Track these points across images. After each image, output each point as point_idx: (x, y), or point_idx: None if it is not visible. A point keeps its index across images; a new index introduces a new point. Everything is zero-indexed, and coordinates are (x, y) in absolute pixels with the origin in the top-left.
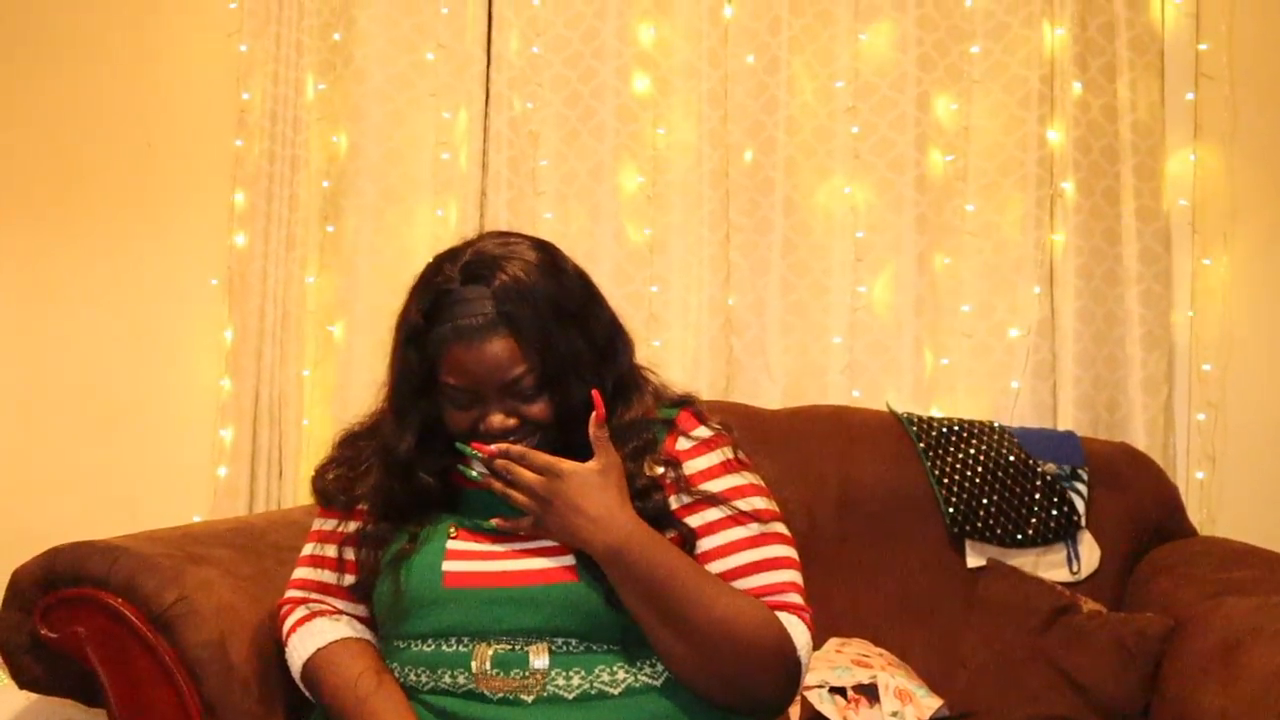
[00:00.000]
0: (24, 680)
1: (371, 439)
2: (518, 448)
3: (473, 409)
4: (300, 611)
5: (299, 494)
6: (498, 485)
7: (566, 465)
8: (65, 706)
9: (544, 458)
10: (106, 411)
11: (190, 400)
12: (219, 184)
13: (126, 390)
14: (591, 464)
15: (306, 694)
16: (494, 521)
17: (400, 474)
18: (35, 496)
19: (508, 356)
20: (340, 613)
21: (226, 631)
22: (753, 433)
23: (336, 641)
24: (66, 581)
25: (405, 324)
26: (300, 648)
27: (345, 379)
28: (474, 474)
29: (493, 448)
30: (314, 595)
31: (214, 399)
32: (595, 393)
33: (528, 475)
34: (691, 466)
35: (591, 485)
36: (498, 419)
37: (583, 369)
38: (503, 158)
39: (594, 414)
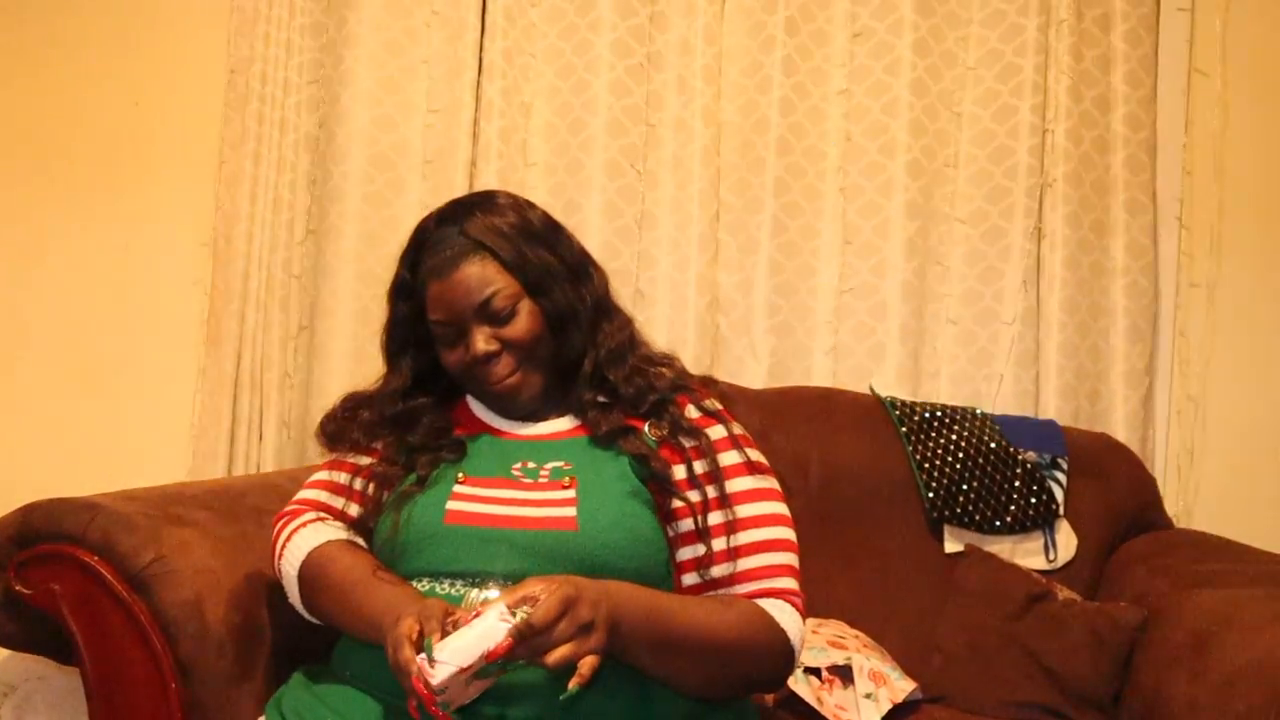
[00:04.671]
0: None
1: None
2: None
3: (459, 344)
4: (312, 514)
5: (280, 458)
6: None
7: (550, 602)
8: (38, 663)
9: (537, 622)
10: (87, 371)
11: (172, 361)
12: (206, 145)
13: (108, 350)
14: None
15: (294, 588)
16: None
17: (392, 413)
18: (13, 454)
19: (478, 279)
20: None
21: (203, 593)
22: (736, 412)
23: (339, 540)
24: (43, 538)
25: (395, 280)
26: (310, 539)
27: (328, 344)
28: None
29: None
30: (319, 513)
31: (196, 361)
32: None
33: (556, 631)
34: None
35: (584, 591)
36: (480, 341)
37: (558, 280)
38: (494, 127)
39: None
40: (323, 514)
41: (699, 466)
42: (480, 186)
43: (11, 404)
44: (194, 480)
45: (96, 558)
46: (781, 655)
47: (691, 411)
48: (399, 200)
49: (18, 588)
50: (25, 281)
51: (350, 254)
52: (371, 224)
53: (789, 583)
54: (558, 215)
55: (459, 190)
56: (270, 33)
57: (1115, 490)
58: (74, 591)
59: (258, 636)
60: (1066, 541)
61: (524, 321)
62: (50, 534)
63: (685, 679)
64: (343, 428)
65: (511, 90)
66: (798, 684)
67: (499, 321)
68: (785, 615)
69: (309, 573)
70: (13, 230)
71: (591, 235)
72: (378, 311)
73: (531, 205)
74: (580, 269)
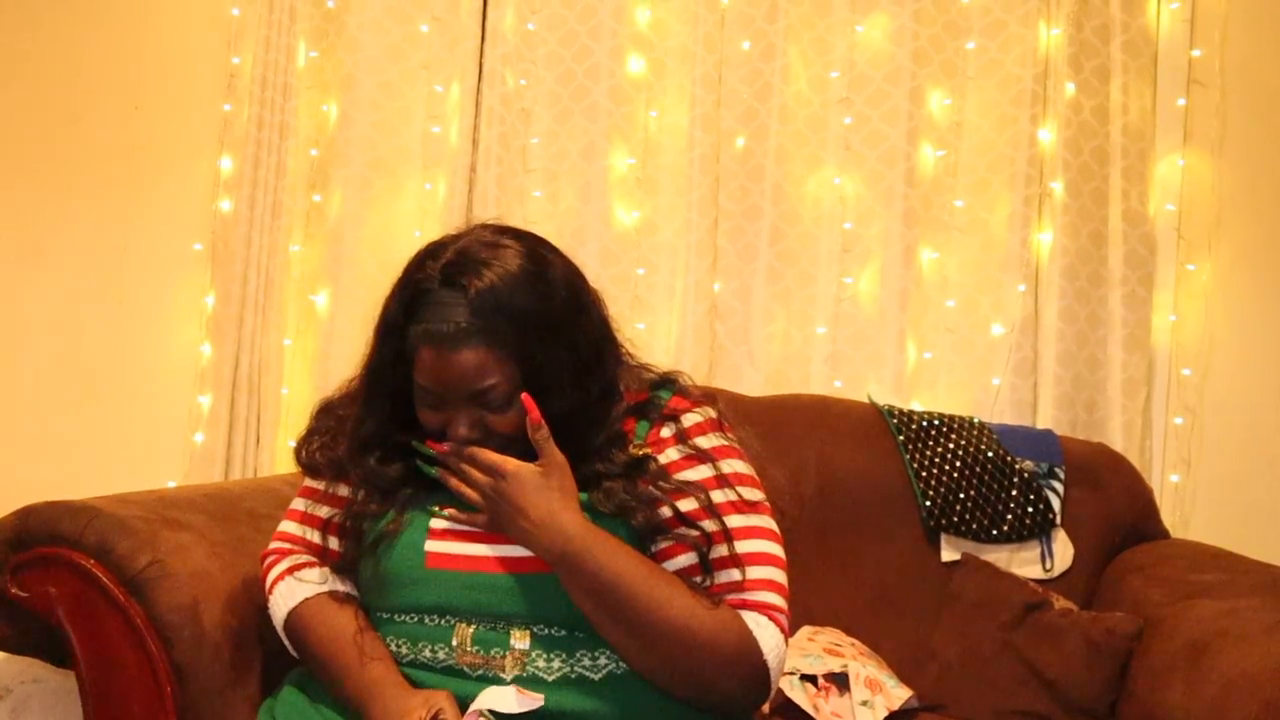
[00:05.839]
0: None
1: (348, 409)
2: (470, 447)
3: (441, 412)
4: (286, 562)
5: (276, 462)
6: (452, 481)
7: (510, 465)
8: (33, 666)
9: (491, 457)
10: (85, 373)
11: (169, 365)
12: (206, 148)
13: (105, 353)
14: (535, 465)
15: (287, 644)
16: (448, 511)
17: (367, 453)
18: (10, 457)
19: (476, 368)
20: (325, 566)
21: (199, 597)
22: (734, 419)
23: (324, 593)
24: (39, 540)
25: (385, 315)
26: (286, 597)
27: (326, 349)
28: (432, 471)
29: (445, 445)
30: (299, 549)
31: (193, 364)
32: (525, 396)
33: (476, 475)
34: (677, 452)
35: (533, 486)
36: (463, 429)
37: (564, 379)
38: (494, 134)
39: (529, 417)
40: (301, 558)
41: (684, 505)
42: (480, 193)
43: (9, 406)
44: (190, 484)
45: (93, 561)
46: (752, 669)
47: (672, 454)
48: (398, 206)
49: (14, 590)
50: (24, 283)
51: (349, 259)
52: (371, 228)
53: (770, 597)
54: (557, 223)
55: (459, 197)
56: (271, 37)
57: (1112, 500)
58: (70, 594)
59: (253, 640)
60: (1063, 551)
61: (516, 417)
62: (47, 537)
63: (628, 647)
64: (317, 459)
65: (511, 96)
66: (793, 690)
67: (489, 408)
68: (762, 630)
69: (290, 631)
70: (12, 232)
71: (590, 242)
72: (374, 316)
73: (549, 275)
74: (594, 357)
